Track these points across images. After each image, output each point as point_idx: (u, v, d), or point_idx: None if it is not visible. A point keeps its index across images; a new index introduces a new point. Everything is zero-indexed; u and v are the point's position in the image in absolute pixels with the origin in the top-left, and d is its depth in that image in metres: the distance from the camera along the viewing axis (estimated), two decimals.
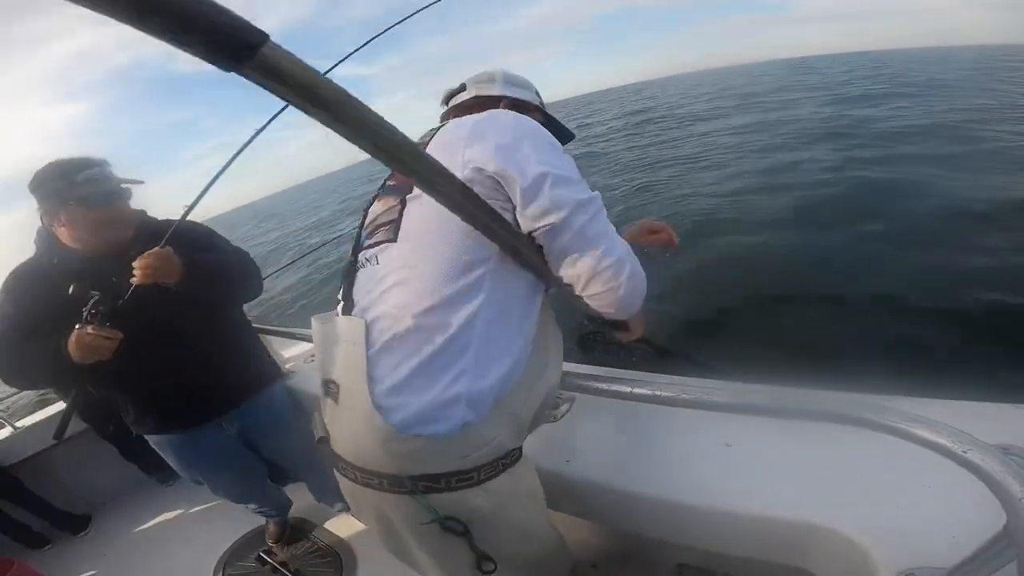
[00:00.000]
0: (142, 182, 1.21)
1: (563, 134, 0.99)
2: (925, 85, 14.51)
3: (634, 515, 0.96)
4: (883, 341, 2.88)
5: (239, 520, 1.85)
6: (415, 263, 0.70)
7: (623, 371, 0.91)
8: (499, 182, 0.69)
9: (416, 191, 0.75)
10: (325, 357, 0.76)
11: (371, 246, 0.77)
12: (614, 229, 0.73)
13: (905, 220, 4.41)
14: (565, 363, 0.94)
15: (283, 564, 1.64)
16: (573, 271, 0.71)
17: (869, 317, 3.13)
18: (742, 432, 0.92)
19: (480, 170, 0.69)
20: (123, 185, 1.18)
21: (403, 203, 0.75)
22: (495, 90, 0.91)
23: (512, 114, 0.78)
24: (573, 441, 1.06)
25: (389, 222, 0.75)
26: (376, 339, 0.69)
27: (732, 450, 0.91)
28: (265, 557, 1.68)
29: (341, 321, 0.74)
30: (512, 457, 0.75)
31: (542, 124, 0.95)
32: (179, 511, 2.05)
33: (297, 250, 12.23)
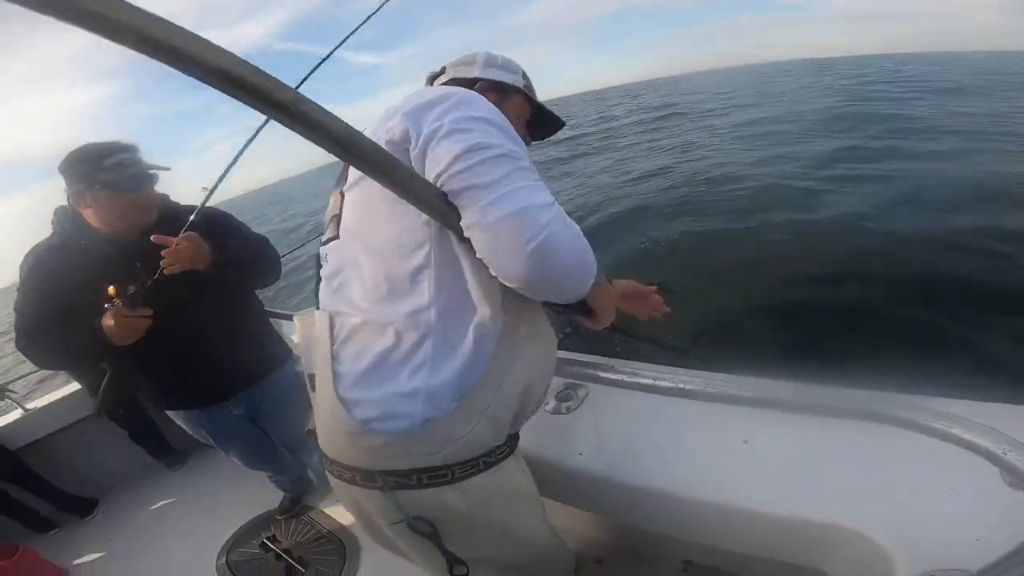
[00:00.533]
0: (168, 168, 1.23)
1: (551, 122, 0.95)
2: (940, 90, 14.40)
3: (647, 511, 0.96)
4: (884, 335, 2.86)
5: (244, 506, 1.86)
6: (356, 260, 0.70)
7: (644, 364, 0.89)
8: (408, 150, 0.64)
9: (351, 181, 0.73)
10: (306, 351, 0.77)
11: (325, 242, 0.78)
12: (532, 181, 0.59)
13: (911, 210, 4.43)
14: (579, 354, 0.93)
15: (287, 551, 1.65)
16: (464, 225, 0.59)
17: (868, 309, 3.10)
18: (761, 429, 0.91)
19: (391, 142, 0.64)
20: (150, 171, 1.20)
21: (342, 195, 0.75)
22: (473, 72, 0.85)
23: (447, 87, 0.69)
24: (586, 433, 1.05)
25: (334, 217, 0.76)
26: (339, 333, 0.70)
27: (750, 447, 0.89)
28: (268, 543, 1.68)
29: (315, 315, 0.76)
30: (497, 454, 0.72)
31: (527, 109, 0.88)
32: (186, 496, 2.05)
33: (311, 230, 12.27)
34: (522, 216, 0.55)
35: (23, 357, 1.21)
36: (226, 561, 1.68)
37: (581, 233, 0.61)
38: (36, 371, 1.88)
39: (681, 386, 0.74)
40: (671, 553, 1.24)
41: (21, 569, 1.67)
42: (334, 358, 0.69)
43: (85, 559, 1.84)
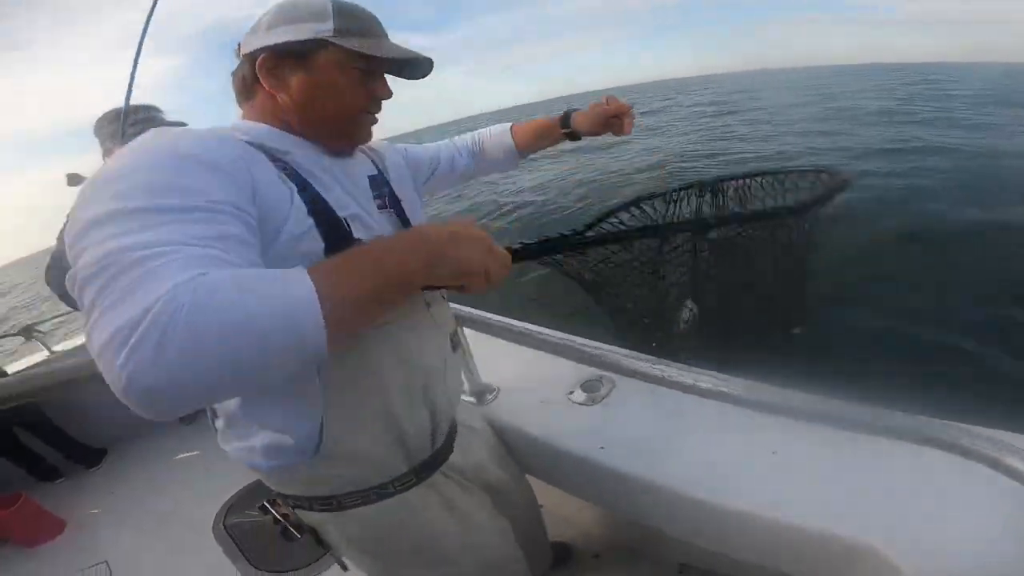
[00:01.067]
0: (185, 124, 1.36)
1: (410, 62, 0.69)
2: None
3: (662, 512, 0.94)
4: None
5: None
6: None
7: (677, 363, 0.87)
8: None
9: None
10: None
11: None
12: (117, 296, 0.38)
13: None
14: (609, 346, 0.91)
15: (285, 516, 1.66)
16: None
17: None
18: (793, 441, 0.89)
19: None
20: (170, 126, 1.37)
21: None
22: (256, 42, 0.62)
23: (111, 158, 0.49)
24: (610, 427, 1.03)
25: None
26: None
27: (777, 458, 0.88)
28: (268, 507, 1.70)
29: None
30: (397, 486, 0.71)
31: (355, 61, 0.63)
32: (194, 452, 2.06)
33: None
34: (100, 361, 0.38)
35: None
36: (224, 523, 1.70)
37: (225, 310, 0.37)
38: (68, 312, 1.90)
39: (718, 389, 0.73)
40: (669, 554, 1.24)
41: (20, 519, 1.69)
42: (214, 413, 0.71)
43: (86, 512, 1.85)
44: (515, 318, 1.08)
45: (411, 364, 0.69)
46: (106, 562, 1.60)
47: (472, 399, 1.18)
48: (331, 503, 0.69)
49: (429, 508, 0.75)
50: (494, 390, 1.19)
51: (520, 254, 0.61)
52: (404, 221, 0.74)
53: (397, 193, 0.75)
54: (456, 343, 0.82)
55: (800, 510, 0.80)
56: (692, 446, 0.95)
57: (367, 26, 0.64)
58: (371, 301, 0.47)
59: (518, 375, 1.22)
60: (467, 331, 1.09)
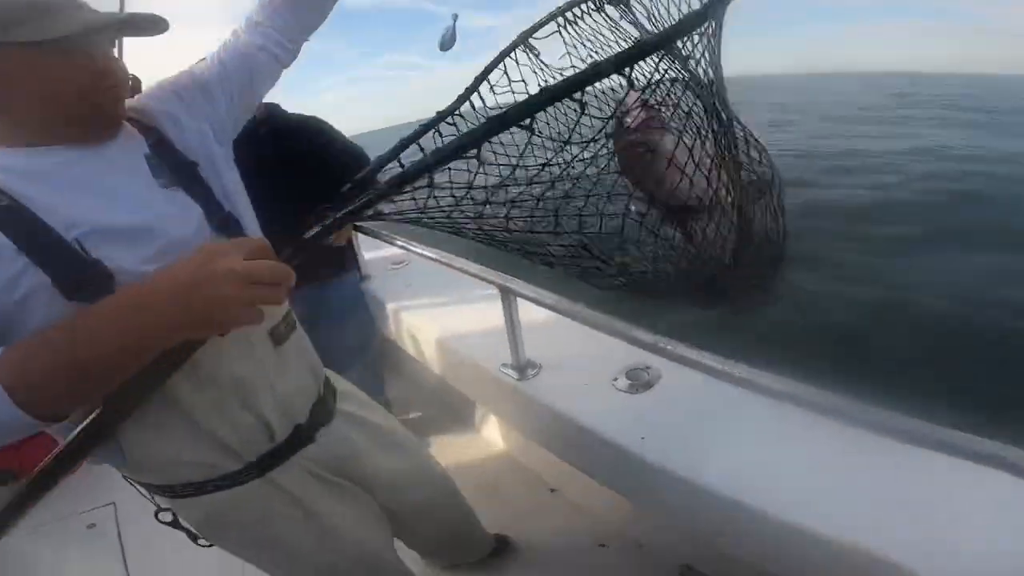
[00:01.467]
0: None
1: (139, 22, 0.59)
2: None
3: (689, 509, 0.93)
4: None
5: None
6: None
7: (728, 359, 0.85)
8: None
9: None
10: None
11: None
12: None
13: None
14: (659, 336, 0.89)
15: None
16: None
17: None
18: (840, 452, 0.87)
19: None
20: None
21: None
22: None
23: None
24: (651, 418, 1.02)
25: None
26: None
27: (820, 468, 0.86)
28: None
29: None
30: (234, 479, 0.68)
31: (10, 55, 0.52)
32: None
33: None
34: None
35: None
36: None
37: None
38: None
39: (768, 385, 0.71)
40: (674, 553, 1.24)
41: (42, 453, 1.71)
42: None
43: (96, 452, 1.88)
44: (567, 294, 1.06)
45: (212, 382, 0.62)
46: (114, 503, 1.61)
47: (514, 373, 1.17)
48: (168, 490, 0.68)
49: (271, 501, 0.72)
50: (536, 366, 1.18)
51: (300, 248, 0.50)
52: (201, 195, 0.63)
53: (189, 156, 0.65)
54: (282, 336, 0.70)
55: (835, 520, 0.78)
56: (735, 445, 0.93)
57: (28, 7, 0.52)
58: (82, 382, 0.45)
59: (564, 353, 1.21)
60: (519, 301, 1.09)
